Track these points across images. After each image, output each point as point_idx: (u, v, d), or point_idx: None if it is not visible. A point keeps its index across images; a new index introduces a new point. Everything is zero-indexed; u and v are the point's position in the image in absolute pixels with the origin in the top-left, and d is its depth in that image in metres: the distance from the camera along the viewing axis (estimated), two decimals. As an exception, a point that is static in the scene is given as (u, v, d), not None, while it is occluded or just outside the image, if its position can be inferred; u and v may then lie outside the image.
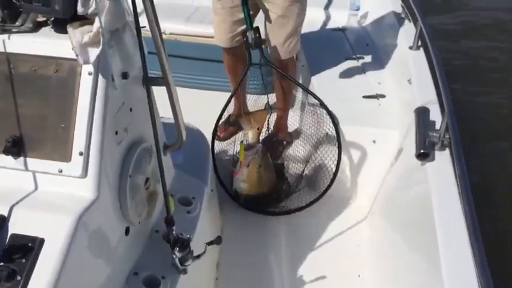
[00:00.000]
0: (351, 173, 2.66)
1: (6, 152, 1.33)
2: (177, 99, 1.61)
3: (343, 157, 2.60)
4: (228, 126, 2.91)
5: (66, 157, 1.33)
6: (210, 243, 1.69)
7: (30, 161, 1.34)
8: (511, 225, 3.04)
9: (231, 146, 2.82)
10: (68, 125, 1.33)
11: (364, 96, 2.78)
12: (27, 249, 1.21)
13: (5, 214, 1.26)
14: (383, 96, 2.79)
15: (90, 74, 1.32)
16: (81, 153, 1.32)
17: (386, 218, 2.40)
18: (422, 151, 1.97)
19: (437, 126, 2.06)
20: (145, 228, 1.67)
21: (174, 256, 1.56)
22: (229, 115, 2.89)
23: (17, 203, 1.28)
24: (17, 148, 1.33)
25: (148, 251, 1.64)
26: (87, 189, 1.34)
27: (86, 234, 1.30)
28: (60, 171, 1.33)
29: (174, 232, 1.62)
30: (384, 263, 2.23)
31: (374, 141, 2.58)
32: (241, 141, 2.60)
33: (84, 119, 1.32)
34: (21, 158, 1.34)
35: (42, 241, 1.23)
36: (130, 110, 1.49)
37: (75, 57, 1.27)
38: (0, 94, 1.35)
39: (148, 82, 1.46)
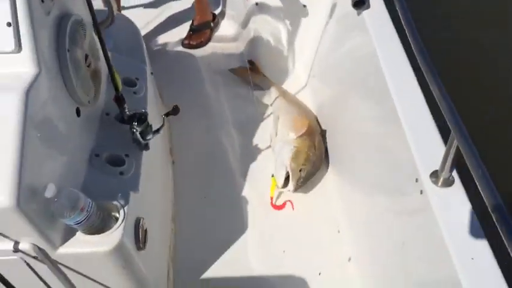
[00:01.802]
0: (288, 43, 2.64)
1: None
2: None
3: (278, 26, 2.56)
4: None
5: None
6: (167, 114, 1.62)
7: None
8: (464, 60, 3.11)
9: None
10: None
11: None
12: None
13: None
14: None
15: None
16: (9, 24, 1.17)
17: (325, 80, 2.44)
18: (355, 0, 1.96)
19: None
20: (95, 110, 1.57)
21: (135, 131, 1.49)
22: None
23: None
24: None
25: (104, 133, 1.56)
26: (25, 64, 1.20)
27: (37, 112, 1.19)
28: None
29: (126, 110, 1.54)
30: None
31: (304, 6, 2.54)
32: (272, 175, 2.13)
33: None
34: None
35: None
36: None
37: None
38: None
39: None
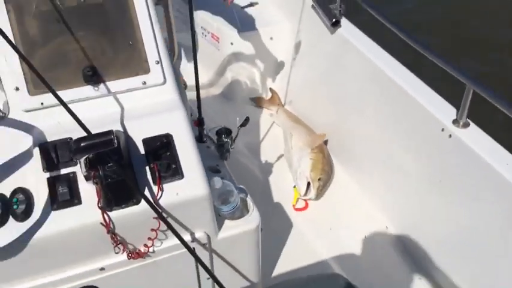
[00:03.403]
0: (261, 79, 3.12)
1: (88, 81, 1.41)
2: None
3: (255, 65, 3.04)
4: None
5: (145, 69, 1.46)
6: (241, 125, 1.97)
7: (113, 83, 1.44)
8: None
9: None
10: (135, 40, 1.46)
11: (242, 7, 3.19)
12: (165, 144, 1.38)
13: (120, 129, 1.38)
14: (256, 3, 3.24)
15: None
16: (157, 62, 1.48)
17: (308, 96, 2.93)
18: (334, 20, 2.51)
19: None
20: None
21: (226, 142, 1.83)
22: None
23: (124, 119, 1.40)
24: (96, 76, 1.41)
25: None
26: (170, 93, 1.50)
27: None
28: (144, 83, 1.47)
29: (205, 130, 1.89)
30: None
31: (271, 38, 3.05)
32: (294, 186, 2.52)
33: (148, 30, 1.47)
34: (103, 84, 1.43)
35: (169, 135, 1.40)
36: None
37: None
38: (59, 33, 1.39)
39: None
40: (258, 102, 3.12)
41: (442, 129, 1.91)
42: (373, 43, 2.39)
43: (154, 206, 1.27)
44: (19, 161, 1.33)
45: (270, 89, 3.12)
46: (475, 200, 1.83)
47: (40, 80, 1.18)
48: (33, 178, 1.30)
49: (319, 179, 2.45)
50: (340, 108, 2.64)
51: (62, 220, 1.28)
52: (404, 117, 2.14)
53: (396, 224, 2.29)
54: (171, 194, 1.35)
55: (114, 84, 1.44)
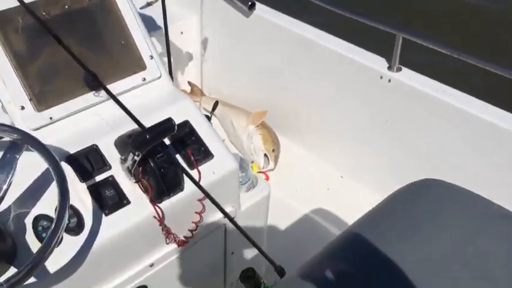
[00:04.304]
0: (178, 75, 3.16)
1: (90, 88, 1.39)
2: None
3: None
4: None
5: (142, 66, 1.49)
6: (212, 110, 2.05)
7: (115, 85, 1.44)
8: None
9: None
10: (126, 39, 1.47)
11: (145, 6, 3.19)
12: (188, 130, 1.43)
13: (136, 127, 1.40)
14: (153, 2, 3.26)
15: None
16: (151, 57, 1.51)
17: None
18: (250, 3, 2.67)
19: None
20: None
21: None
22: None
23: (138, 117, 1.41)
24: (97, 81, 1.40)
25: None
26: (168, 85, 1.55)
27: None
28: (144, 79, 1.49)
29: None
30: None
31: (182, 33, 3.11)
32: (252, 162, 2.61)
33: (136, 27, 1.49)
34: (106, 88, 1.42)
35: (188, 121, 1.45)
36: None
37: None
38: (51, 43, 1.35)
39: None
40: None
41: (381, 77, 2.21)
42: (290, 17, 2.61)
43: (202, 187, 1.33)
44: (47, 180, 1.28)
45: (189, 82, 3.19)
46: (424, 130, 2.16)
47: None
48: (73, 191, 1.27)
49: (273, 150, 2.63)
50: (268, 83, 2.82)
51: (116, 223, 1.28)
52: (339, 75, 2.40)
53: (350, 172, 2.56)
54: (209, 173, 1.42)
55: (116, 86, 1.44)
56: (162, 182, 1.27)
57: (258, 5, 2.73)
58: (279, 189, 2.51)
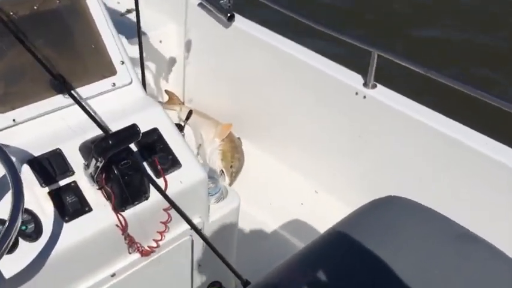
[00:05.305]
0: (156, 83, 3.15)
1: (57, 91, 1.36)
2: None
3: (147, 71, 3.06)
4: None
5: (112, 71, 1.46)
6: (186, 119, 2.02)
7: (83, 89, 1.41)
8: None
9: None
10: (97, 43, 1.45)
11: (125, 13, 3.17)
12: (156, 138, 1.40)
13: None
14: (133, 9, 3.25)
15: None
16: (122, 62, 1.48)
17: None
18: (229, 14, 2.67)
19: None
20: None
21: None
22: None
23: (105, 122, 1.38)
24: (65, 84, 1.37)
25: None
26: (138, 91, 1.52)
27: None
28: (113, 84, 1.46)
29: None
30: None
31: (160, 41, 3.09)
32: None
33: (107, 31, 1.46)
34: (73, 92, 1.39)
35: (156, 129, 1.43)
36: None
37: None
38: (17, 44, 1.32)
39: None
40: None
41: (356, 93, 2.21)
42: (268, 30, 2.62)
43: (168, 197, 1.30)
44: (5, 184, 1.24)
45: (166, 91, 3.16)
46: (396, 146, 2.17)
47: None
48: (31, 196, 1.23)
49: (231, 166, 2.62)
50: (244, 95, 2.81)
51: (76, 230, 1.24)
52: (315, 89, 2.40)
53: (325, 186, 2.56)
54: (176, 183, 1.39)
55: (84, 90, 1.41)
56: (125, 189, 1.24)
57: (237, 16, 2.73)
58: (253, 202, 2.49)
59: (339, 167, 2.46)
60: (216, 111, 2.98)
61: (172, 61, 3.13)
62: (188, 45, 3.02)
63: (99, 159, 1.16)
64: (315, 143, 2.53)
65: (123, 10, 3.23)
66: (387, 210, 1.29)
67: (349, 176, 2.43)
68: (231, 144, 2.72)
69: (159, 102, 3.12)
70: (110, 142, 1.14)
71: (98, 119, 1.25)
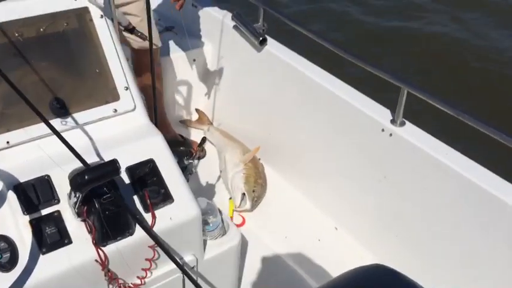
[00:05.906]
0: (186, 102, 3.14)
1: (56, 114, 1.33)
2: None
3: (180, 88, 3.05)
4: None
5: (115, 97, 1.42)
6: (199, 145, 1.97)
7: (83, 114, 1.38)
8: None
9: None
10: (102, 68, 1.41)
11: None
12: (150, 170, 1.35)
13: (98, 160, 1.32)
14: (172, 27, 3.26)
15: (102, 16, 1.41)
16: (126, 88, 1.44)
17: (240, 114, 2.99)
18: (261, 38, 2.61)
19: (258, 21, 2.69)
20: None
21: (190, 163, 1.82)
22: None
23: (101, 150, 1.34)
24: (64, 108, 1.34)
25: None
26: (141, 118, 1.47)
27: None
28: (115, 111, 1.42)
29: None
30: None
31: (194, 60, 3.07)
32: (230, 198, 2.55)
33: (114, 56, 1.43)
34: (73, 116, 1.36)
35: (152, 160, 1.37)
36: None
37: (78, 7, 1.37)
38: (21, 66, 1.30)
39: None
40: (187, 124, 3.12)
41: (382, 130, 2.08)
42: (300, 57, 2.53)
43: (153, 234, 1.24)
44: None
45: (196, 109, 3.13)
46: (421, 191, 2.01)
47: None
48: (13, 223, 1.20)
49: (253, 191, 2.53)
50: (272, 120, 2.73)
51: (53, 263, 1.19)
52: (342, 122, 2.29)
53: (345, 224, 2.42)
54: (165, 219, 1.32)
55: (84, 115, 1.38)
56: (106, 224, 1.19)
57: (271, 41, 2.67)
58: (267, 231, 2.40)
59: (362, 206, 2.33)
60: (242, 133, 2.92)
61: (205, 80, 3.10)
62: (221, 66, 2.98)
63: (77, 194, 1.12)
64: (338, 179, 2.41)
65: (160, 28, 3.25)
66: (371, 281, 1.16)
67: (370, 218, 2.29)
68: (255, 170, 2.65)
69: (188, 120, 3.17)
70: (86, 177, 1.09)
71: (75, 150, 1.17)
